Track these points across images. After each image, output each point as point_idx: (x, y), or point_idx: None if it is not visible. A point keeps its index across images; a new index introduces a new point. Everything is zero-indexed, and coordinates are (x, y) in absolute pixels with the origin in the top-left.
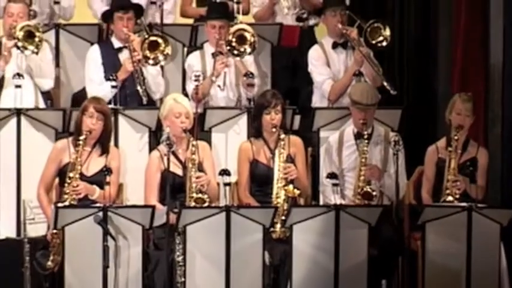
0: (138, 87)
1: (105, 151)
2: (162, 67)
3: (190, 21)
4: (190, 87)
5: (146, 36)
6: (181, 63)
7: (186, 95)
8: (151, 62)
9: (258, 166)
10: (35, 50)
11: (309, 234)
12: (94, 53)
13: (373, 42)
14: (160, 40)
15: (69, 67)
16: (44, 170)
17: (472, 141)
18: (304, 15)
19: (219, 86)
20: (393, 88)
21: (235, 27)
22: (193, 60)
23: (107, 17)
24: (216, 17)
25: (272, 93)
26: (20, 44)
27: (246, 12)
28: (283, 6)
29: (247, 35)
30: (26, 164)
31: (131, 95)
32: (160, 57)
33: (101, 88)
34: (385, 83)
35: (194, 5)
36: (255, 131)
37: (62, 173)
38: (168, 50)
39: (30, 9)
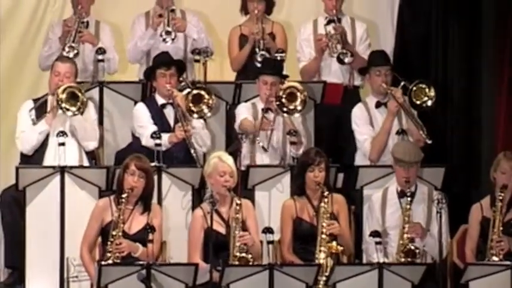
0: (192, 151)
1: (147, 209)
2: (205, 120)
3: (233, 78)
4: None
5: (189, 90)
6: (225, 121)
7: (230, 153)
8: (196, 116)
9: (302, 224)
10: (76, 113)
11: None
12: (142, 109)
13: (418, 102)
14: (203, 92)
15: (112, 125)
16: (86, 229)
17: None
18: (346, 59)
19: (263, 147)
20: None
21: (287, 84)
22: (243, 109)
23: (149, 74)
24: (269, 73)
25: (316, 151)
26: (63, 105)
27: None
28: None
29: (298, 93)
30: (69, 221)
31: (177, 151)
32: (205, 110)
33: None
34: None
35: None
36: (298, 188)
37: (104, 231)
38: (212, 101)
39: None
